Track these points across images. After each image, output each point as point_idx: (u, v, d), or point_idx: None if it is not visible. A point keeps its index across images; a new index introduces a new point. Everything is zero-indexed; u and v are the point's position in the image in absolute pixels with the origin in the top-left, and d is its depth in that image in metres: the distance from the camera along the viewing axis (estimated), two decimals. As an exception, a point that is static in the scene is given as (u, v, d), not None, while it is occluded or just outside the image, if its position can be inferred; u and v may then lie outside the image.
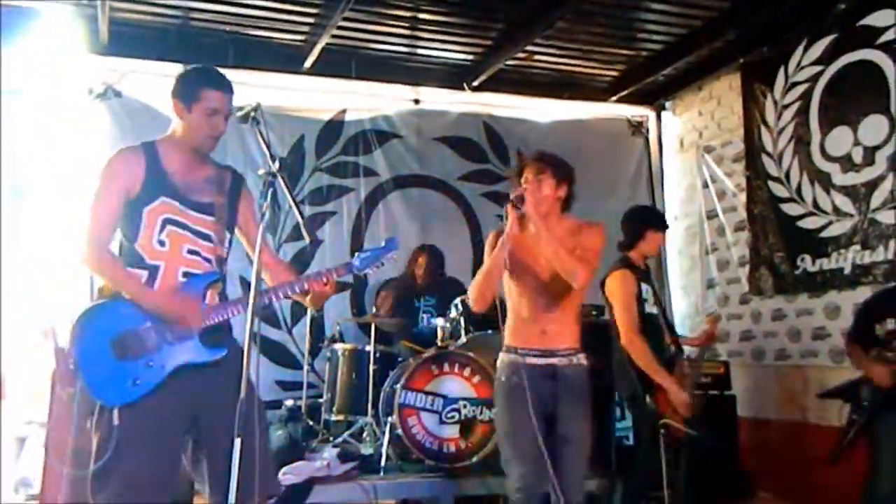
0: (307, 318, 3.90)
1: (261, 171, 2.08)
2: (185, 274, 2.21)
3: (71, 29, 4.74)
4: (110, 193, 2.18)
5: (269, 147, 2.13)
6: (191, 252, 2.22)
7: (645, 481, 3.45)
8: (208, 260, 2.25)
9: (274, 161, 2.05)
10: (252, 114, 2.19)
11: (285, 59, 5.37)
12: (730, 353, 5.60)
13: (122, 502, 2.04)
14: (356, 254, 2.35)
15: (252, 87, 4.91)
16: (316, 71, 5.46)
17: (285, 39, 5.32)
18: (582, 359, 2.76)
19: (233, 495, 1.81)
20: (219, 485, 2.11)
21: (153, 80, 5.10)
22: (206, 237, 2.24)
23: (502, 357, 2.80)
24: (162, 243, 2.19)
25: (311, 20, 5.03)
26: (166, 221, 2.20)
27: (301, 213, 2.06)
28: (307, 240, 2.02)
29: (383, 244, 2.40)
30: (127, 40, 5.01)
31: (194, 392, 2.14)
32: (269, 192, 2.02)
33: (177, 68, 5.15)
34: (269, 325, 4.81)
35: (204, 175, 2.30)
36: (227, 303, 2.25)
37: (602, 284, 3.51)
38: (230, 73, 4.71)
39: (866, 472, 3.21)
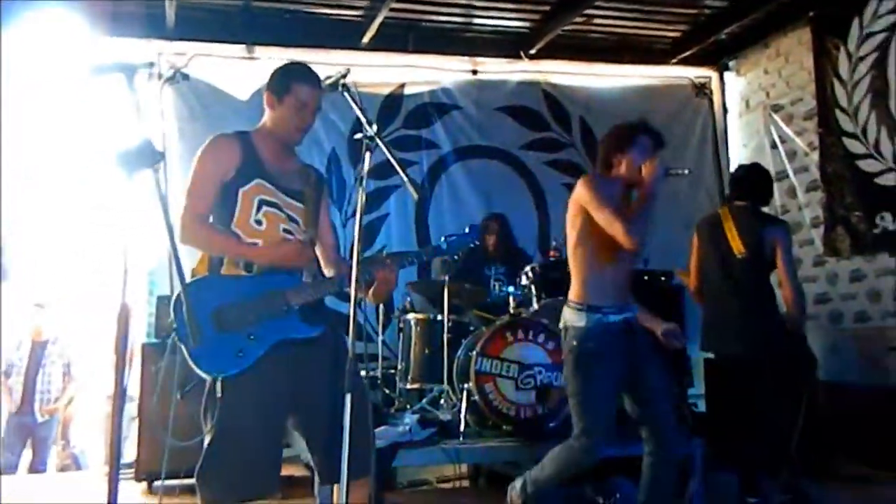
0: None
1: (358, 136, 2.12)
2: None
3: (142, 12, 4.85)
4: (206, 177, 2.25)
5: (363, 111, 2.15)
6: (285, 231, 2.27)
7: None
8: (300, 242, 2.30)
9: (371, 125, 2.07)
10: (342, 80, 2.21)
11: (344, 36, 5.39)
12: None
13: (227, 480, 2.08)
14: (443, 238, 2.44)
15: (313, 65, 4.93)
16: (374, 46, 5.48)
17: (344, 15, 5.35)
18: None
19: (346, 456, 1.85)
20: (323, 457, 2.18)
21: (219, 63, 5.21)
22: (296, 221, 2.30)
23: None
24: (259, 222, 2.24)
25: (368, -6, 5.06)
26: (262, 202, 2.25)
27: (404, 171, 2.08)
28: (414, 196, 2.04)
29: (467, 230, 2.49)
30: (193, 23, 5.11)
31: (296, 367, 2.18)
32: (367, 158, 2.06)
33: (240, 50, 5.29)
34: (339, 299, 4.87)
35: (293, 167, 2.39)
36: (324, 280, 2.31)
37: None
38: (293, 53, 4.90)
39: None
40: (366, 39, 5.39)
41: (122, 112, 1.98)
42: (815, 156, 5.39)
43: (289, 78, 2.31)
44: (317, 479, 2.26)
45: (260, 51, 5.31)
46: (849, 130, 5.13)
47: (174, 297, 2.11)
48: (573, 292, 2.80)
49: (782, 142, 5.78)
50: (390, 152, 2.07)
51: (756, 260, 3.59)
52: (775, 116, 5.83)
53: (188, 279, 2.19)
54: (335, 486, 2.16)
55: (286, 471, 2.55)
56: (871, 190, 4.95)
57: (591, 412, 2.73)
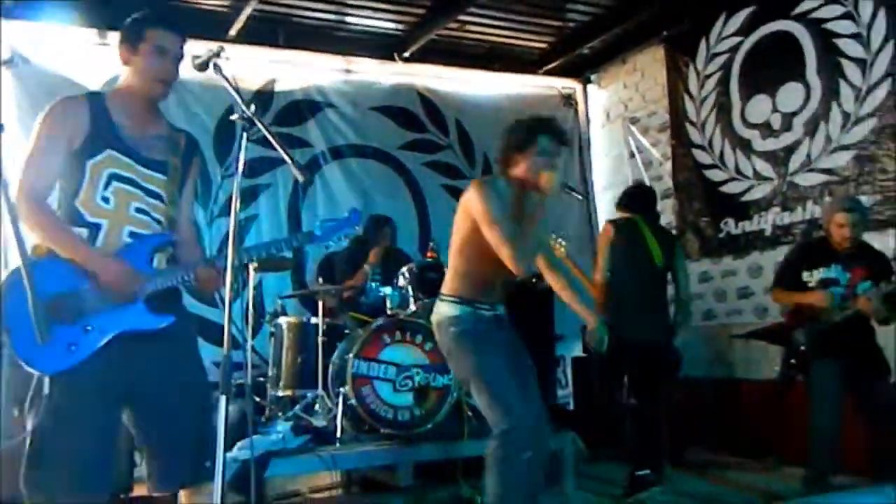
0: (249, 295, 3.74)
1: (234, 117, 1.93)
2: (132, 234, 2.04)
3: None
4: (49, 144, 1.98)
5: (237, 91, 1.97)
6: (139, 211, 2.05)
7: None
8: (158, 221, 2.08)
9: (249, 106, 1.91)
10: (214, 59, 2.01)
11: (209, 26, 5.10)
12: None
13: (54, 481, 1.86)
14: (318, 223, 2.23)
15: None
16: (242, 39, 5.25)
17: (209, 5, 5.08)
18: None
19: (220, 461, 1.71)
20: (157, 458, 2.02)
21: (66, 47, 4.75)
22: (157, 196, 2.08)
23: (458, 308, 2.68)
24: (106, 200, 2.00)
25: (237, -16, 4.84)
26: (112, 177, 2.01)
27: (288, 154, 1.92)
28: (300, 179, 1.88)
29: (347, 215, 2.28)
30: (36, 3, 4.63)
31: (134, 360, 1.96)
32: (244, 139, 1.89)
33: (91, 34, 4.86)
34: (205, 304, 4.59)
35: (156, 132, 2.14)
36: (176, 268, 2.08)
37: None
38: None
39: (809, 413, 3.39)
40: (233, 32, 5.15)
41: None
42: (668, 165, 5.80)
43: (142, 23, 2.08)
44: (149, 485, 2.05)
45: (113, 36, 4.87)
46: (697, 142, 5.56)
47: (1, 284, 1.87)
48: (447, 287, 2.73)
49: (639, 152, 6.16)
50: (270, 133, 1.91)
51: (665, 269, 3.92)
52: (633, 128, 6.21)
53: (31, 253, 1.95)
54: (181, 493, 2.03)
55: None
56: (717, 197, 5.39)
57: (499, 391, 2.52)
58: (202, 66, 2.04)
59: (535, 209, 2.61)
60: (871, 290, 3.28)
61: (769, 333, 3.77)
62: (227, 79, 2.00)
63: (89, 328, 1.92)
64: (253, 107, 1.93)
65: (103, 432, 1.95)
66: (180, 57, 2.10)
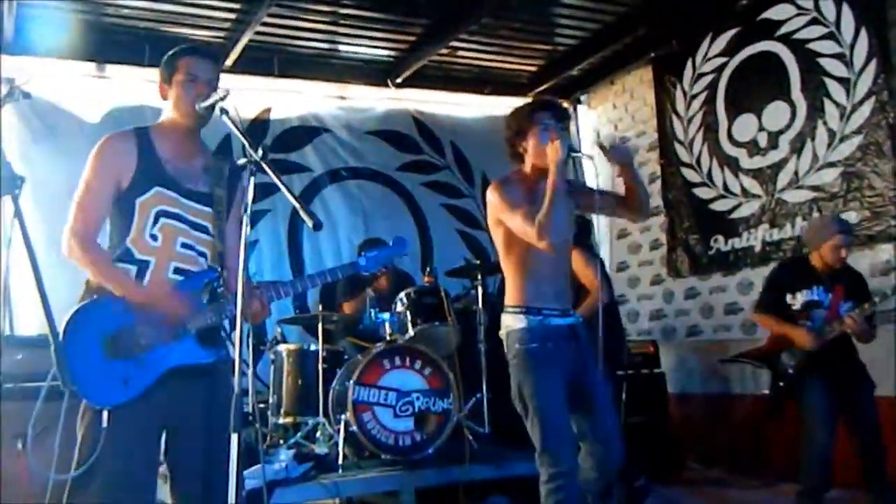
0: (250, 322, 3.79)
1: (241, 161, 1.98)
2: (177, 270, 2.10)
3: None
4: (100, 183, 2.06)
5: (244, 135, 2.02)
6: (185, 246, 2.11)
7: None
8: (203, 254, 2.14)
9: (256, 150, 1.96)
10: (220, 104, 2.07)
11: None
12: (639, 333, 5.92)
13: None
14: (362, 253, 2.30)
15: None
16: (238, 69, 5.33)
17: (206, 37, 5.16)
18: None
19: (232, 495, 1.77)
20: (180, 486, 2.10)
21: (65, 81, 4.82)
22: (203, 229, 2.14)
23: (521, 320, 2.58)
24: (154, 237, 2.08)
25: (232, 16, 4.92)
26: (160, 213, 2.08)
27: (296, 198, 1.97)
28: (310, 225, 1.93)
29: (391, 243, 2.33)
30: (36, 37, 4.70)
31: (180, 393, 2.06)
32: (251, 184, 1.94)
33: (90, 67, 4.94)
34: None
35: (202, 163, 2.19)
36: (226, 303, 2.12)
37: None
38: (145, 73, 4.64)
39: (803, 431, 3.41)
40: (229, 62, 5.23)
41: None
42: (658, 184, 5.89)
43: (174, 57, 2.17)
44: None
45: (112, 69, 4.99)
46: (686, 161, 5.66)
47: (64, 323, 1.95)
48: (510, 297, 2.64)
49: (629, 171, 6.24)
50: (279, 178, 1.96)
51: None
52: (623, 148, 6.30)
53: (84, 289, 2.06)
54: None
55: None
56: (706, 215, 5.48)
57: (551, 415, 2.48)
58: (208, 110, 2.11)
59: (548, 184, 2.49)
60: (855, 312, 3.33)
61: (755, 356, 3.76)
62: (234, 123, 2.05)
63: (143, 364, 2.00)
64: (261, 151, 1.97)
65: (152, 463, 2.06)
66: (214, 84, 2.15)
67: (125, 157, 2.08)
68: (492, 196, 2.64)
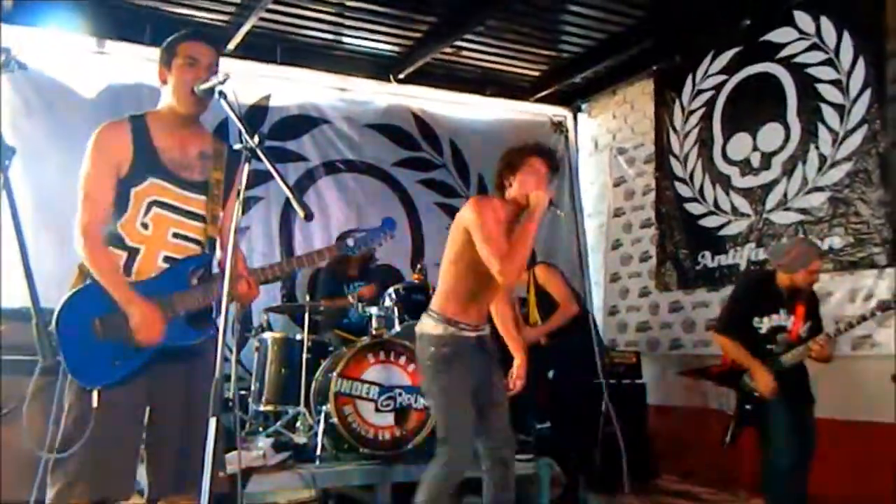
0: (234, 309, 3.77)
1: (237, 146, 1.96)
2: (167, 258, 2.12)
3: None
4: (102, 174, 2.07)
5: (241, 121, 2.01)
6: (175, 236, 2.13)
7: None
8: (197, 241, 2.16)
9: (252, 136, 1.95)
10: (219, 87, 2.06)
11: (208, 40, 5.14)
12: (627, 344, 5.96)
13: (85, 481, 1.97)
14: (351, 233, 2.30)
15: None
16: (239, 54, 5.31)
17: (209, 19, 5.15)
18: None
19: (207, 478, 1.78)
20: (157, 470, 2.12)
21: (64, 54, 4.78)
22: (197, 217, 2.15)
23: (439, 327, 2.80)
24: (145, 226, 2.09)
25: (237, 0, 4.90)
26: (153, 203, 2.10)
27: (290, 188, 1.97)
28: (302, 216, 1.93)
29: (380, 224, 2.35)
30: (35, 8, 4.67)
31: (165, 373, 2.08)
32: (245, 170, 1.93)
33: (90, 43, 4.91)
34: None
35: (198, 149, 2.18)
36: (214, 284, 2.14)
37: None
38: (145, 51, 4.62)
39: (764, 452, 3.46)
40: (231, 46, 5.22)
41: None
42: (651, 196, 5.93)
43: (174, 42, 2.16)
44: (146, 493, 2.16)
45: (111, 45, 4.95)
46: (679, 175, 5.70)
47: (58, 307, 2.00)
48: (436, 303, 2.84)
49: (623, 182, 6.30)
50: (273, 166, 1.96)
51: None
52: (619, 158, 6.35)
53: (77, 273, 2.08)
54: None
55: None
56: (696, 230, 5.52)
57: (455, 412, 2.75)
58: (207, 94, 2.10)
59: (526, 230, 2.69)
60: (821, 338, 3.32)
61: (717, 375, 3.75)
62: (232, 107, 2.03)
63: (133, 344, 2.02)
64: (257, 138, 1.96)
65: (136, 441, 2.08)
66: (214, 69, 2.13)
67: (121, 146, 2.08)
68: (471, 212, 2.73)
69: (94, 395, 1.95)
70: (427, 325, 2.83)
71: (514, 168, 2.80)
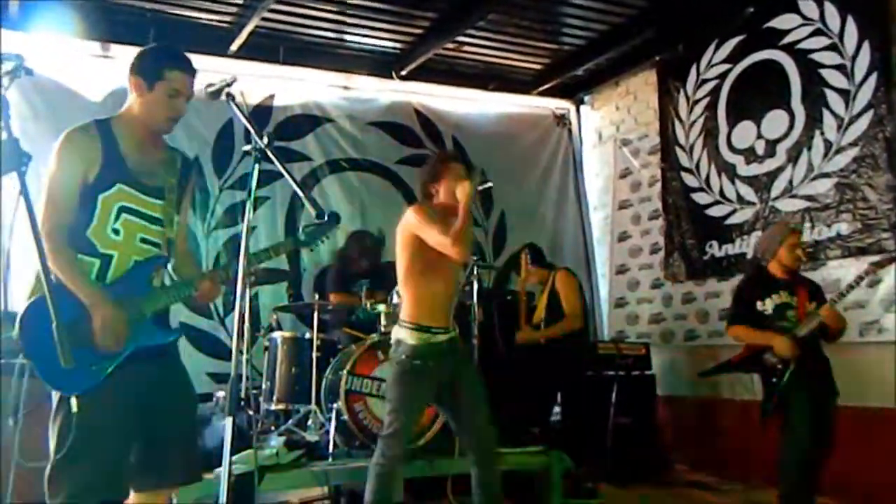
0: (246, 307, 3.81)
1: (246, 148, 2.01)
2: (136, 263, 2.17)
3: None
4: (65, 181, 2.08)
5: (250, 122, 2.04)
6: (143, 241, 2.18)
7: None
8: (157, 245, 2.22)
9: (262, 137, 1.97)
10: (227, 89, 2.09)
11: (211, 41, 5.19)
12: (639, 336, 5.95)
13: (83, 492, 1.98)
14: (301, 227, 2.38)
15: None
16: (242, 55, 5.33)
17: (212, 20, 5.16)
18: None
19: (225, 479, 1.80)
20: (143, 463, 2.14)
21: (69, 59, 4.81)
22: (156, 221, 2.21)
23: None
24: (116, 232, 2.12)
25: (239, 1, 4.92)
26: (122, 209, 2.13)
27: (301, 188, 1.99)
28: (313, 213, 1.96)
29: (326, 218, 2.37)
30: (40, 14, 4.69)
31: (147, 378, 2.11)
32: (255, 171, 1.97)
33: (94, 47, 4.93)
34: (199, 315, 4.67)
35: (157, 157, 2.25)
36: (178, 285, 2.24)
37: None
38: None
39: (783, 438, 3.45)
40: (234, 47, 5.23)
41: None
42: (657, 187, 5.91)
43: (160, 63, 2.16)
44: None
45: (116, 49, 4.98)
46: (685, 166, 5.69)
47: (21, 314, 1.98)
48: (405, 313, 3.01)
49: (629, 173, 6.28)
50: (284, 167, 1.98)
51: None
52: (624, 150, 6.33)
53: (35, 281, 2.05)
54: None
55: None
56: (703, 220, 5.51)
57: (405, 417, 2.94)
58: (214, 96, 2.13)
59: (464, 213, 2.89)
60: (827, 305, 3.39)
61: (737, 364, 3.75)
62: (240, 109, 2.07)
63: (101, 349, 2.03)
64: (266, 139, 1.98)
65: (126, 444, 2.09)
66: (191, 96, 2.21)
67: (90, 152, 2.10)
68: (411, 216, 2.95)
69: (73, 401, 1.96)
70: (401, 333, 2.99)
71: (435, 176, 3.04)
